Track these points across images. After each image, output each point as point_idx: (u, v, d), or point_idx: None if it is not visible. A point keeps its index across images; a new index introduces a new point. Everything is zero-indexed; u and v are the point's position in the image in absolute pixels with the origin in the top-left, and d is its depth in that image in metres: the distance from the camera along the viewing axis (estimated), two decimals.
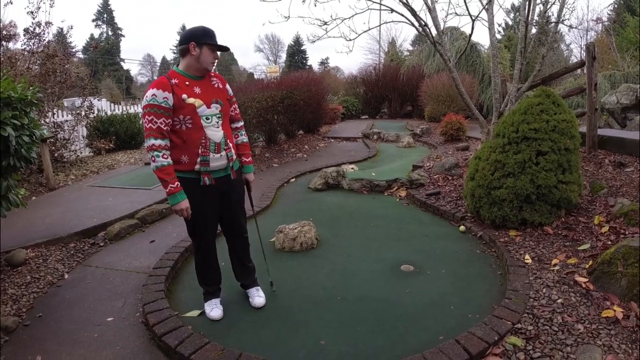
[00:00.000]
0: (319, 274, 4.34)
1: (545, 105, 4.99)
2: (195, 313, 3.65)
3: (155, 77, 78.25)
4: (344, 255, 4.77)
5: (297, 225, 5.03)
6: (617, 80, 13.52)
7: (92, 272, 4.59)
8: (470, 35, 7.23)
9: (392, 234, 5.34)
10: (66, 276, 4.52)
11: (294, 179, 8.48)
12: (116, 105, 14.75)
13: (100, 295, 4.06)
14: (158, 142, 3.02)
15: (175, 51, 71.15)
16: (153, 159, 3.02)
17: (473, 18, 6.73)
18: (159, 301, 3.71)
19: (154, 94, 3.00)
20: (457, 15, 6.97)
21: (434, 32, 6.99)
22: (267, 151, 10.99)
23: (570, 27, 8.01)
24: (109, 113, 13.35)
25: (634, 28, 18.79)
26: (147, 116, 2.99)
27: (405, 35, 77.06)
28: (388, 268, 4.39)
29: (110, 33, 62.78)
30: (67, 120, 11.31)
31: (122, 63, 64.03)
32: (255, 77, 51.86)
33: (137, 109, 14.94)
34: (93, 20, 61.58)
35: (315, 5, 6.65)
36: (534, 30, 7.30)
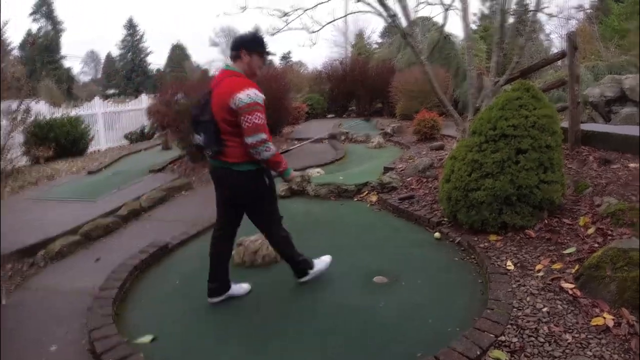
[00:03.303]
0: (283, 289, 4.33)
1: (524, 99, 5.08)
2: (147, 338, 3.60)
3: (99, 76, 76.89)
4: None
5: (259, 237, 4.97)
6: (601, 72, 13.86)
7: (32, 296, 4.51)
8: (443, 25, 7.37)
9: (363, 243, 5.36)
10: (3, 301, 4.41)
11: None
12: (56, 108, 14.45)
13: (41, 322, 3.98)
14: (267, 135, 3.67)
15: (121, 47, 70.26)
16: (267, 149, 3.66)
17: (446, 7, 6.84)
18: (106, 326, 3.64)
19: (257, 93, 3.63)
20: (429, 4, 7.07)
21: (404, 22, 7.06)
22: None
23: (550, 15, 8.18)
24: (48, 117, 13.05)
25: (618, 15, 19.31)
26: (257, 113, 3.60)
27: (374, 27, 77.69)
28: (360, 280, 4.40)
29: (49, 27, 61.49)
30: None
31: (63, 61, 62.80)
32: (211, 74, 51.51)
33: (79, 111, 14.68)
34: (31, 14, 60.17)
35: None
36: (511, 20, 7.45)
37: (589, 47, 18.87)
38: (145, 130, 16.46)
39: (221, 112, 3.65)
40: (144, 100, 17.06)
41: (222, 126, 3.69)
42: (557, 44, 37.21)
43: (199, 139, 3.83)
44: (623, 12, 19.85)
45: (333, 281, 4.42)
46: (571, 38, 6.76)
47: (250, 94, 3.58)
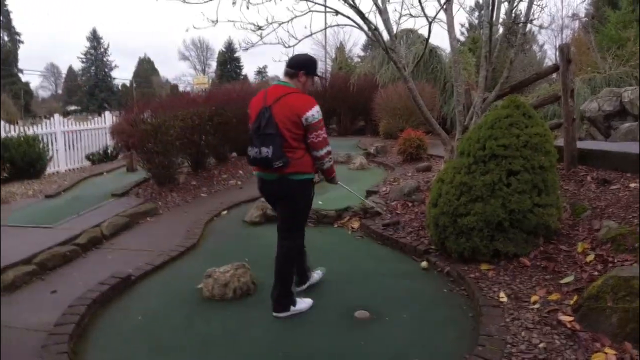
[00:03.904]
0: (257, 326, 4.26)
1: (515, 117, 5.10)
2: None
3: (60, 91, 76.50)
4: None
5: (230, 268, 4.91)
6: (598, 85, 13.99)
7: None
8: (428, 38, 7.36)
9: (344, 274, 5.31)
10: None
11: (225, 212, 8.36)
12: (12, 126, 14.28)
13: None
14: (330, 148, 4.39)
15: (84, 60, 70.07)
16: (330, 159, 4.43)
17: (430, 20, 6.86)
18: None
19: (319, 110, 4.21)
20: (412, 16, 7.09)
21: (386, 36, 7.08)
22: (193, 178, 10.81)
23: (540, 27, 8.27)
24: (2, 135, 12.86)
25: (616, 24, 19.56)
26: (324, 128, 4.26)
27: (355, 39, 78.37)
28: (339, 316, 4.35)
29: (6, 39, 61.26)
30: None
31: (20, 74, 62.52)
32: (180, 89, 51.52)
33: (37, 129, 14.52)
34: None
35: (248, 8, 6.59)
36: (500, 31, 7.50)
37: (585, 58, 19.03)
38: (109, 151, 16.31)
39: (290, 125, 4.13)
40: (108, 118, 16.91)
41: (288, 140, 4.14)
42: (551, 55, 37.83)
43: (266, 151, 4.10)
44: (621, 20, 20.10)
45: (312, 316, 4.36)
46: (564, 50, 6.82)
47: (319, 111, 4.21)
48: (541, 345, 3.50)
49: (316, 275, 5.07)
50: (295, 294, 4.52)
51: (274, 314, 4.36)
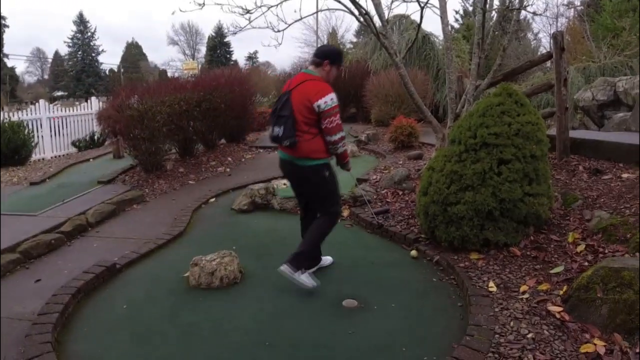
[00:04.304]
0: (243, 315, 4.25)
1: (507, 105, 5.09)
2: None
3: (46, 76, 75.98)
4: (273, 290, 4.70)
5: (216, 256, 4.91)
6: (592, 74, 14.01)
7: None
8: (419, 25, 7.37)
9: (334, 263, 5.31)
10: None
11: (213, 199, 8.35)
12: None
13: None
14: (344, 133, 4.70)
15: (70, 44, 69.51)
16: (344, 145, 4.71)
17: (422, 5, 6.84)
18: (44, 355, 3.55)
19: (334, 98, 4.50)
20: (405, 1, 7.08)
21: (377, 21, 7.05)
22: (181, 165, 10.77)
23: (534, 14, 8.26)
24: None
25: (611, 13, 19.55)
26: (337, 115, 4.55)
27: (348, 25, 78.06)
28: (327, 304, 4.35)
29: None
30: None
31: (5, 59, 61.98)
32: (169, 74, 51.25)
33: (22, 115, 14.41)
34: None
35: None
36: (494, 18, 7.49)
37: (580, 47, 19.06)
38: (95, 137, 16.21)
39: (303, 110, 4.47)
40: (95, 104, 16.78)
41: (299, 122, 4.47)
42: (546, 43, 37.82)
43: (277, 130, 4.52)
44: (616, 9, 20.08)
45: (299, 305, 4.36)
46: (557, 38, 6.81)
47: (333, 99, 4.49)
48: (530, 335, 3.51)
49: (328, 259, 5.27)
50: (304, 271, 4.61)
51: (282, 265, 4.52)
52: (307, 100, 4.44)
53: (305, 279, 4.55)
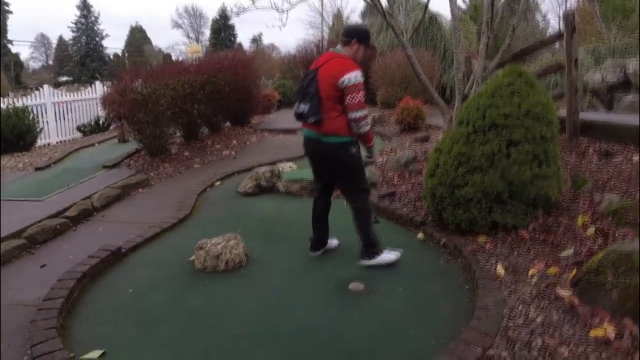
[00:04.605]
0: (248, 299, 4.24)
1: (517, 85, 5.03)
2: (96, 354, 3.48)
3: (50, 62, 76.03)
4: (279, 274, 4.70)
5: (222, 240, 4.90)
6: (602, 55, 13.87)
7: None
8: (427, 3, 7.28)
9: (340, 247, 5.29)
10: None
11: (219, 182, 8.35)
12: (3, 98, 14.18)
13: None
14: (367, 112, 4.60)
15: (74, 29, 69.44)
16: (367, 123, 4.57)
17: None
18: (50, 341, 3.55)
19: (358, 75, 4.44)
20: None
21: (384, 2, 6.98)
22: (186, 149, 10.78)
23: None
24: None
25: None
26: (361, 92, 4.46)
27: (353, 6, 77.82)
28: (333, 288, 4.34)
29: None
30: None
31: (10, 46, 61.99)
32: (173, 58, 51.12)
33: (27, 101, 14.42)
34: None
35: None
36: None
37: (589, 27, 18.86)
38: (100, 122, 16.21)
39: (327, 87, 4.44)
40: (99, 89, 16.78)
41: (324, 100, 4.45)
42: (554, 24, 37.48)
43: (303, 107, 4.55)
44: None
45: (303, 291, 4.35)
46: (569, 18, 6.71)
47: (357, 75, 4.44)
48: (538, 319, 3.48)
49: (334, 242, 5.31)
50: (378, 242, 4.80)
51: (360, 261, 4.77)
52: (332, 77, 4.43)
53: (386, 256, 4.75)
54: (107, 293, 4.52)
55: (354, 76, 4.42)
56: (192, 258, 4.97)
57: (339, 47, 4.69)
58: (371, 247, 4.74)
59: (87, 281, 4.67)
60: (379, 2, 6.86)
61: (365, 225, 4.79)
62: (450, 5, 7.16)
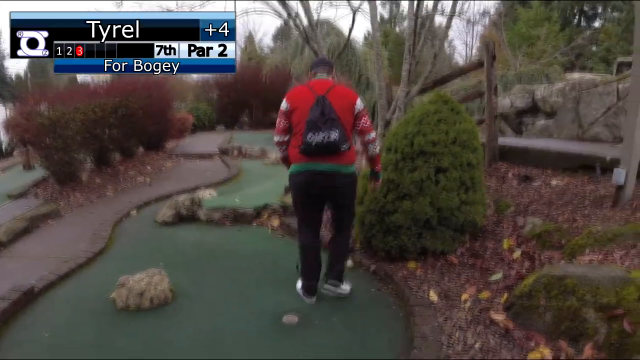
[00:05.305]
0: (177, 337, 4.07)
1: (443, 113, 5.15)
2: None
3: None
4: (208, 309, 4.55)
5: (145, 276, 4.69)
6: (510, 81, 14.55)
7: None
8: (351, 29, 7.42)
9: (268, 276, 5.23)
10: None
11: (135, 211, 8.08)
12: None
13: None
14: None
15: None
16: (377, 145, 4.54)
17: (354, 9, 6.86)
18: None
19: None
20: (334, 5, 7.09)
21: (305, 23, 7.02)
22: (97, 176, 10.40)
23: (468, 21, 8.45)
24: None
25: (527, 22, 20.37)
26: (367, 115, 4.48)
27: (265, 29, 77.99)
28: (267, 321, 4.24)
29: None
30: None
31: None
32: (79, 80, 49.60)
33: None
34: None
35: None
36: (406, 24, 7.59)
37: (497, 55, 19.69)
38: (3, 147, 15.50)
39: (345, 113, 4.28)
40: (1, 112, 16.07)
41: (345, 127, 4.27)
42: (461, 51, 39.00)
43: (335, 135, 4.14)
44: (532, 18, 20.93)
45: (236, 326, 4.22)
46: (489, 46, 6.98)
47: (360, 102, 4.45)
48: (477, 345, 3.53)
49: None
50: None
51: (325, 287, 4.67)
52: (349, 103, 4.31)
53: (346, 286, 4.76)
54: (21, 339, 4.16)
55: (361, 101, 4.48)
56: (112, 296, 4.69)
57: (323, 75, 4.53)
58: (342, 272, 4.73)
59: (23, 305, 4.51)
60: (302, 26, 6.90)
61: (345, 254, 4.86)
62: (372, 32, 7.29)
